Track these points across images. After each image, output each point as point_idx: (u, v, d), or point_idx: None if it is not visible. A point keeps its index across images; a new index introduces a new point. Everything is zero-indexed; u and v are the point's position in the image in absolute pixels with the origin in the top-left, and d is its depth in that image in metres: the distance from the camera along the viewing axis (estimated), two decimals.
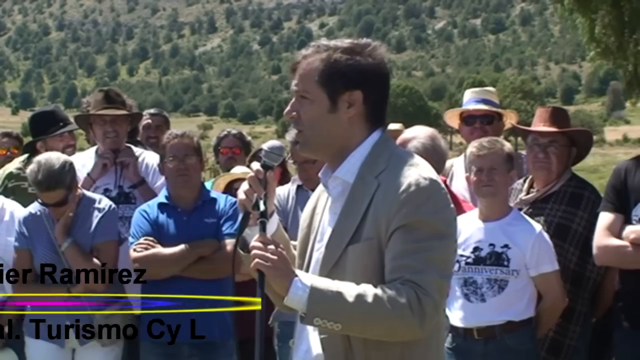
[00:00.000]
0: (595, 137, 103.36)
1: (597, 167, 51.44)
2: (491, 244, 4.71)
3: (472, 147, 4.83)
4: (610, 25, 14.81)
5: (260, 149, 6.46)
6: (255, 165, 3.02)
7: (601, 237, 4.64)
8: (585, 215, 4.91)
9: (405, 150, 3.10)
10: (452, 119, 6.11)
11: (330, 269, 2.91)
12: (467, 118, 5.93)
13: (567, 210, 4.94)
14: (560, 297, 4.75)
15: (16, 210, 5.41)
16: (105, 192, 5.60)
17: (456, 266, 4.68)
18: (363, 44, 2.98)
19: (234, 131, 6.86)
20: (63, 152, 5.95)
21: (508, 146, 4.83)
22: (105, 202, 5.25)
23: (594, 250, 4.67)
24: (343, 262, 2.89)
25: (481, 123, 5.85)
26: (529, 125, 5.29)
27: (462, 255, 4.73)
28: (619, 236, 4.60)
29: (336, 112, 2.95)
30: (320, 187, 3.14)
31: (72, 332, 5.06)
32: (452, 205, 2.90)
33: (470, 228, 4.79)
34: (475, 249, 4.73)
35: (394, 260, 2.80)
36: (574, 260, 4.90)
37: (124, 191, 5.68)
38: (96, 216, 5.15)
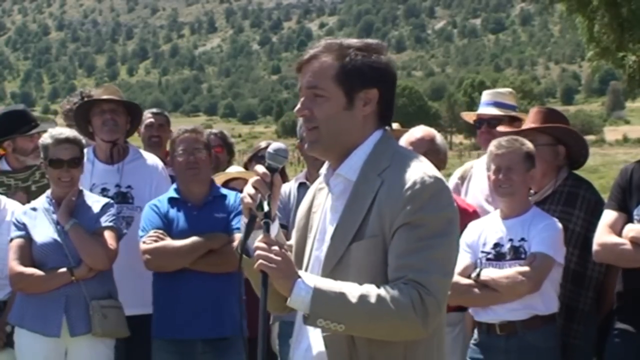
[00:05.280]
0: (595, 137, 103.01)
1: (597, 167, 51.40)
2: (510, 239, 4.72)
3: (491, 146, 4.84)
4: (609, 24, 14.79)
5: (259, 150, 6.47)
6: (261, 168, 2.98)
7: (601, 234, 4.64)
8: (582, 214, 4.91)
9: (407, 149, 3.10)
10: (470, 120, 6.18)
11: (333, 266, 2.91)
12: (478, 121, 5.96)
13: (564, 211, 4.92)
14: (527, 279, 4.59)
15: (17, 210, 5.41)
16: (103, 192, 5.60)
17: (477, 262, 4.71)
18: (374, 43, 3.01)
19: (214, 131, 6.85)
20: (32, 153, 5.91)
21: (528, 145, 4.80)
22: (103, 199, 5.34)
23: (594, 247, 4.67)
24: (347, 260, 2.89)
25: (488, 126, 5.84)
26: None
27: (482, 252, 4.74)
28: (620, 234, 4.60)
29: (352, 109, 2.95)
30: (314, 187, 3.15)
31: (64, 321, 5.04)
32: (454, 204, 2.92)
33: (491, 226, 4.80)
34: (496, 245, 4.74)
35: (397, 259, 2.81)
36: (574, 260, 4.88)
37: (121, 191, 5.67)
38: (96, 207, 5.21)
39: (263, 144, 6.58)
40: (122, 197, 5.63)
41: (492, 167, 4.78)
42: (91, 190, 5.49)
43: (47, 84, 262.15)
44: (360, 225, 2.88)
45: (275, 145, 3.04)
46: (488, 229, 4.79)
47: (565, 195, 4.97)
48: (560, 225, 4.72)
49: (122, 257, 5.23)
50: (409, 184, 2.83)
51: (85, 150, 5.67)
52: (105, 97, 5.74)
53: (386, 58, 2.99)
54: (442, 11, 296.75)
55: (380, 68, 2.96)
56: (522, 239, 4.69)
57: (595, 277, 4.90)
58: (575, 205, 4.93)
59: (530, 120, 5.22)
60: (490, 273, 4.64)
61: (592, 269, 4.89)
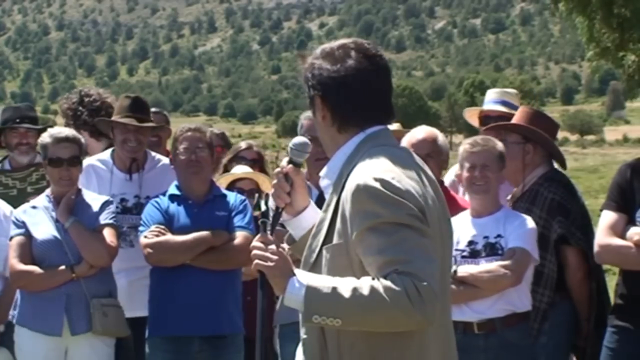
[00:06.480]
0: (595, 137, 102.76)
1: (597, 167, 51.32)
2: (485, 237, 4.75)
3: (465, 144, 4.89)
4: (609, 24, 14.80)
5: (239, 151, 6.45)
6: (284, 161, 3.14)
7: (603, 236, 4.64)
8: (538, 211, 4.95)
9: (384, 147, 3.00)
10: (472, 117, 6.19)
11: (309, 268, 2.95)
12: (484, 118, 5.98)
13: (528, 209, 4.98)
14: (510, 272, 4.61)
15: (7, 211, 5.43)
16: (122, 202, 5.57)
17: (452, 261, 4.70)
18: (337, 47, 3.02)
19: (216, 131, 6.77)
20: (15, 148, 5.93)
21: (500, 145, 4.88)
22: (102, 196, 5.33)
23: (595, 248, 4.68)
24: (320, 261, 2.94)
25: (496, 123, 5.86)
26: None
27: (457, 250, 4.73)
28: (621, 236, 4.61)
29: (316, 115, 3.07)
30: None
31: (65, 320, 5.04)
32: (407, 203, 2.84)
33: (462, 225, 4.82)
34: (470, 242, 4.77)
35: (376, 260, 2.79)
36: None
37: (140, 202, 5.62)
38: (95, 205, 5.22)
39: (243, 145, 6.53)
40: (141, 208, 5.57)
41: (466, 164, 4.82)
42: None
43: (47, 83, 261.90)
44: (329, 228, 2.93)
45: (297, 139, 3.15)
46: (460, 228, 4.78)
47: (533, 193, 5.04)
48: (534, 223, 4.76)
49: (136, 260, 5.25)
50: (353, 188, 2.85)
51: (107, 155, 5.67)
52: (124, 121, 5.54)
53: (336, 63, 2.98)
54: (442, 11, 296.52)
55: (320, 75, 3.00)
56: (499, 236, 4.72)
57: (551, 276, 4.92)
58: (535, 203, 4.99)
59: (513, 119, 5.31)
60: (468, 269, 4.65)
61: (549, 267, 4.92)
